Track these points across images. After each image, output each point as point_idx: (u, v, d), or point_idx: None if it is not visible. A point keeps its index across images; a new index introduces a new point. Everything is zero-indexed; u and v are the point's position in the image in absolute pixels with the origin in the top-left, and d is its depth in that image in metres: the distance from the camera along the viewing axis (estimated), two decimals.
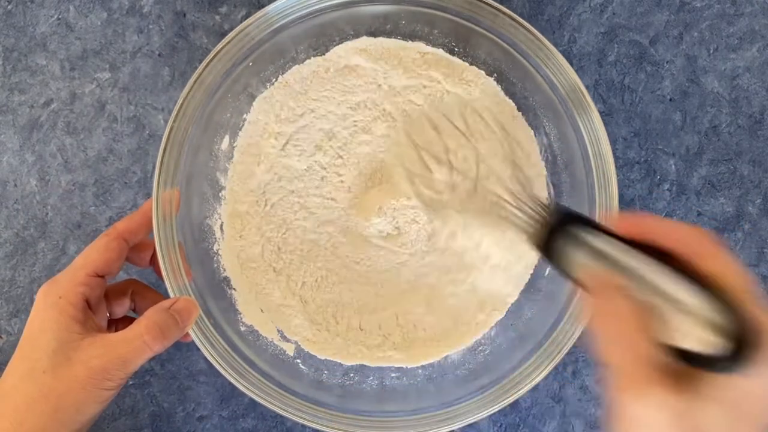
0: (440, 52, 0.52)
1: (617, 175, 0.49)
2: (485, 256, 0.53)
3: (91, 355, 0.39)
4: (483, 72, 0.53)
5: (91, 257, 0.43)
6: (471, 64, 0.52)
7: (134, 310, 0.48)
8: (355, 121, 0.53)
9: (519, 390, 0.47)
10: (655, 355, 0.28)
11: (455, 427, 0.47)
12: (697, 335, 0.28)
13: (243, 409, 0.56)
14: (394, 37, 0.52)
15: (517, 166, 0.48)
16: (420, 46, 0.52)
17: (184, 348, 0.55)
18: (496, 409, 0.47)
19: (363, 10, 0.49)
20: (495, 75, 0.52)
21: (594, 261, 0.33)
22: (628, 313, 0.29)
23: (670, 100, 0.57)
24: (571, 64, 0.55)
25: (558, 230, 0.37)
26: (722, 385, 0.27)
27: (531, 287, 0.53)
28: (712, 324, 0.27)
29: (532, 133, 0.53)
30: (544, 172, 0.53)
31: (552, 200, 0.51)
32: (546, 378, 0.47)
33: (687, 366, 0.28)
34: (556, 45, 0.55)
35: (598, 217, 0.48)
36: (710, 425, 0.27)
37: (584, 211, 0.49)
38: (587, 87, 0.56)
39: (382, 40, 0.52)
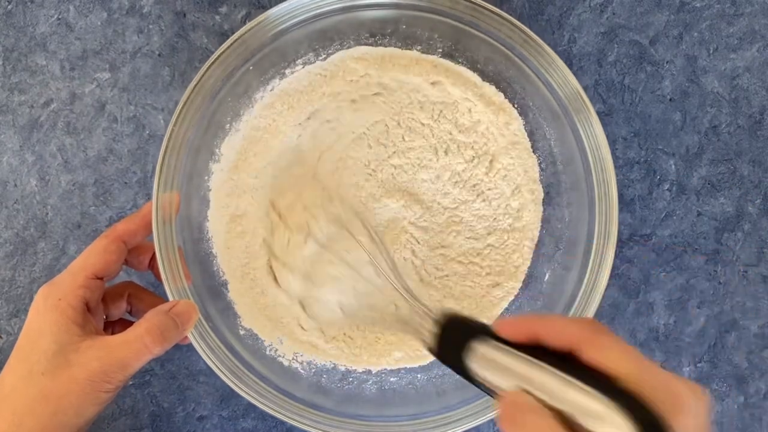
0: (436, 58, 0.52)
1: (617, 175, 0.49)
2: None
3: (91, 358, 0.39)
4: (479, 77, 0.53)
5: (90, 259, 0.43)
6: (471, 67, 0.52)
7: (130, 313, 0.48)
8: (357, 126, 0.53)
9: None
10: None
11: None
12: None
13: (243, 409, 0.56)
14: (395, 41, 0.52)
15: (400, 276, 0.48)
16: (415, 54, 0.52)
17: (184, 348, 0.55)
18: (497, 414, 0.47)
19: (364, 14, 0.49)
20: (494, 78, 0.52)
21: (498, 375, 0.32)
22: (544, 427, 0.28)
23: (670, 100, 0.57)
24: (571, 64, 0.56)
25: (453, 338, 0.36)
26: None
27: (531, 291, 0.53)
28: (614, 424, 0.27)
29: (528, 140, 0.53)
30: (536, 166, 0.53)
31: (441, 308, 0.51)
32: None
33: None
34: (556, 45, 0.55)
35: (597, 219, 0.48)
36: None
37: (584, 212, 0.49)
38: (587, 87, 0.56)
39: (379, 49, 0.52)
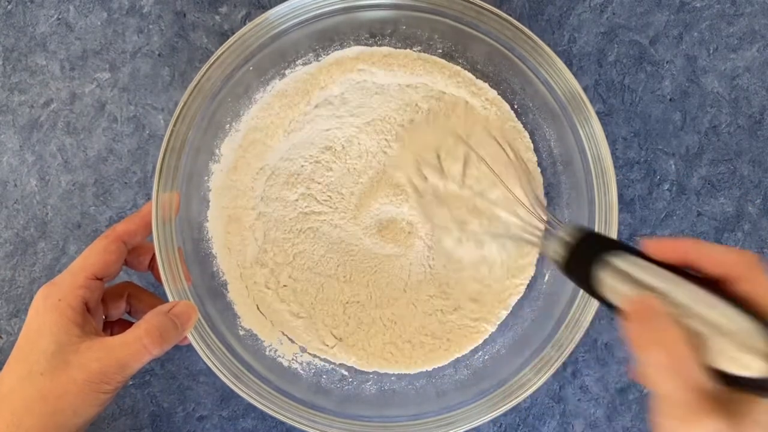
0: (436, 58, 0.52)
1: (617, 175, 0.49)
2: (488, 261, 0.53)
3: (90, 359, 0.39)
4: (478, 78, 0.53)
5: (90, 260, 0.43)
6: (471, 68, 0.52)
7: (129, 313, 0.48)
8: (356, 127, 0.53)
9: (520, 394, 0.47)
10: (704, 383, 0.28)
11: None
12: (743, 359, 0.27)
13: (243, 409, 0.56)
14: (395, 42, 0.52)
15: (529, 187, 0.48)
16: (414, 54, 0.52)
17: (184, 348, 0.55)
18: (497, 414, 0.47)
19: (363, 15, 0.49)
20: (494, 78, 0.52)
21: (632, 287, 0.32)
22: (675, 340, 0.29)
23: (670, 100, 0.57)
24: (571, 64, 0.56)
25: (584, 252, 0.36)
26: None
27: (531, 291, 0.53)
28: (756, 348, 0.27)
29: (527, 136, 0.53)
30: (540, 178, 0.53)
31: (572, 222, 0.51)
32: None
33: (734, 390, 0.28)
34: (556, 45, 0.55)
35: (597, 219, 0.48)
36: None
37: (584, 212, 0.49)
38: (587, 87, 0.56)
39: (378, 49, 0.52)
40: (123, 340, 0.40)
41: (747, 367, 0.27)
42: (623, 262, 0.33)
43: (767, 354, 0.27)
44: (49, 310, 0.40)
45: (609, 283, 0.34)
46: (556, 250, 0.38)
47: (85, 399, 0.39)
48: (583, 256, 0.36)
